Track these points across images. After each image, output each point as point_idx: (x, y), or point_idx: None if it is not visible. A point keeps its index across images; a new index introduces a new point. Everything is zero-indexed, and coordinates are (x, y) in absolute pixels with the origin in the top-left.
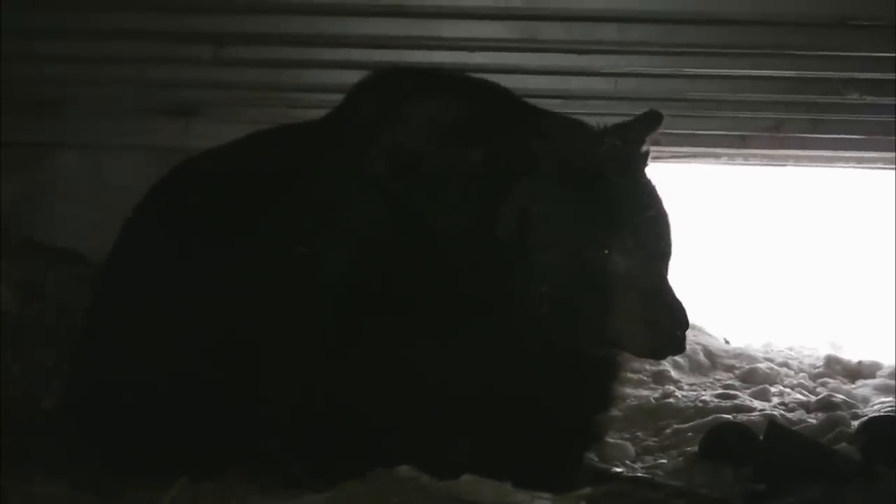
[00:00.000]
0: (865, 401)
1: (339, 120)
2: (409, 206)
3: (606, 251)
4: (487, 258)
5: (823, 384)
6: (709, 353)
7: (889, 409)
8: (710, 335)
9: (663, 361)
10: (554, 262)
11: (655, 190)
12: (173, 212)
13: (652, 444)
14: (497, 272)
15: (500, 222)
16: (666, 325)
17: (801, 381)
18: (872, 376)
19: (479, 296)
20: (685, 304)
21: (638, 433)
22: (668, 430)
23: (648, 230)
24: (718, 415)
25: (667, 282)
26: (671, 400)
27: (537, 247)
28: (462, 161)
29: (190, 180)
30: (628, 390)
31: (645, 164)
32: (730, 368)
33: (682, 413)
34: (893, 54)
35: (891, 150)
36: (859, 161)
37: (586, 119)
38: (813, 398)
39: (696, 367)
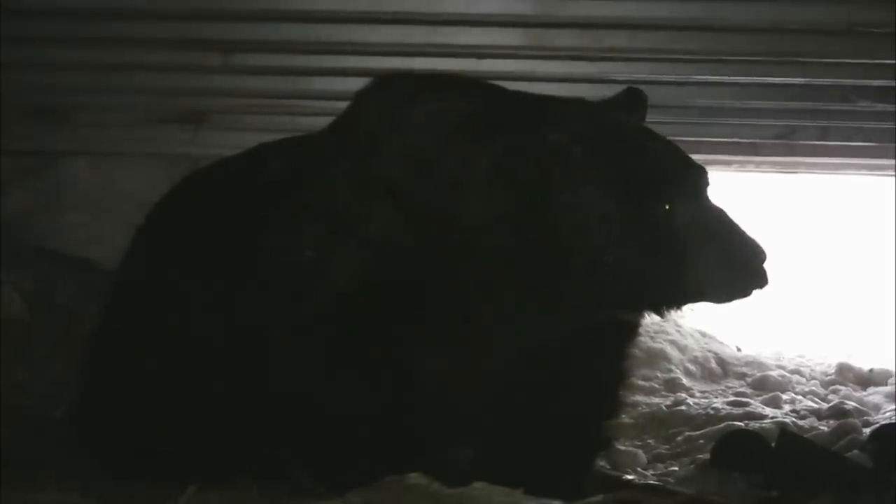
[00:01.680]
0: (877, 408)
1: (344, 127)
2: (423, 207)
3: (668, 206)
4: (525, 247)
5: (835, 392)
6: (720, 361)
7: None
8: (721, 343)
9: (674, 368)
10: (618, 232)
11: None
12: (184, 221)
13: (663, 451)
14: (548, 258)
15: (544, 211)
16: (746, 259)
17: (813, 388)
18: (884, 384)
19: (513, 290)
20: (757, 237)
21: (649, 440)
22: (679, 438)
23: (695, 176)
24: (730, 422)
25: (730, 219)
26: (683, 407)
27: (594, 223)
28: (479, 157)
29: (201, 190)
30: (640, 398)
31: None
32: (741, 376)
33: (693, 420)
34: None
35: None
36: (870, 168)
37: None
38: (824, 406)
39: (707, 375)
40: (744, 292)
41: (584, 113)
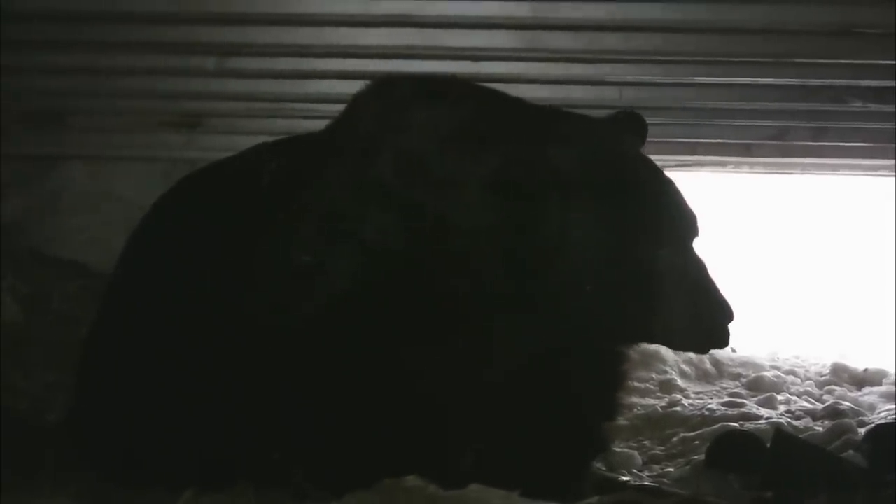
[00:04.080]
0: (872, 408)
1: (341, 130)
2: (420, 211)
3: (654, 249)
4: (519, 260)
5: (830, 392)
6: (715, 362)
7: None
8: None
9: (669, 370)
10: (601, 264)
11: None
12: (179, 224)
13: (659, 452)
14: (531, 273)
15: (535, 228)
16: (712, 318)
17: (808, 388)
18: (879, 384)
19: (502, 297)
20: (730, 299)
21: (645, 442)
22: (674, 439)
23: (687, 224)
24: (725, 423)
25: (710, 276)
26: (678, 408)
27: (580, 250)
28: (478, 164)
29: (195, 192)
30: (635, 399)
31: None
32: (736, 377)
33: (688, 422)
34: None
35: (893, 158)
36: (864, 168)
37: None
38: (819, 406)
39: (702, 376)
40: (702, 349)
41: (588, 134)
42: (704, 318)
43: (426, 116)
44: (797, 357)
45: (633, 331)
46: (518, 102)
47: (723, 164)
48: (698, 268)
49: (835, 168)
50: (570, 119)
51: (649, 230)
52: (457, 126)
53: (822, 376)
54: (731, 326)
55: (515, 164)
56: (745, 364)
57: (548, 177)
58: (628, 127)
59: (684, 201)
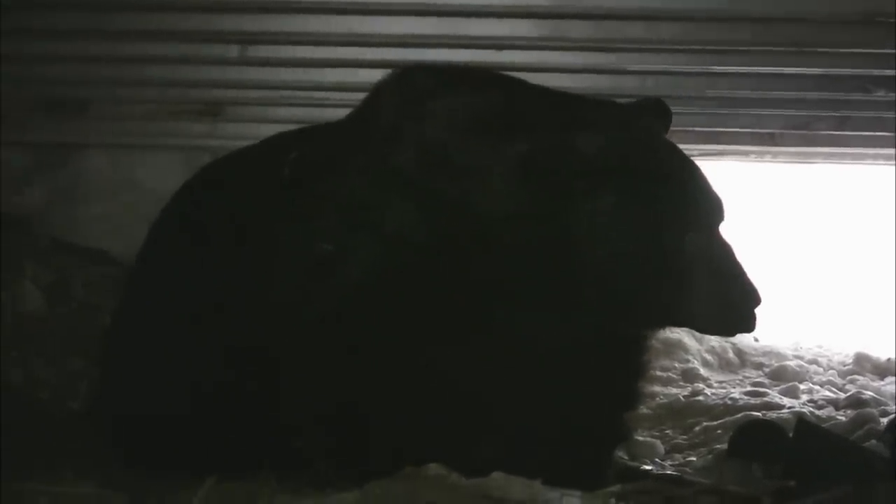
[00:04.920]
0: (895, 398)
1: (362, 118)
2: (442, 200)
3: (681, 233)
4: (543, 249)
5: (853, 381)
6: (738, 351)
7: None
8: None
9: (692, 359)
10: (629, 249)
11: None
12: (199, 213)
13: (681, 441)
14: (557, 261)
15: (562, 215)
16: (740, 302)
17: (831, 378)
18: None
19: (526, 286)
20: (757, 283)
21: (667, 431)
22: (697, 428)
23: (713, 209)
24: (748, 412)
25: (737, 260)
26: (700, 398)
27: (608, 235)
28: (503, 153)
29: (216, 182)
30: (657, 388)
31: None
32: (759, 366)
33: (711, 411)
34: None
35: None
36: (887, 158)
37: None
38: (842, 395)
39: (725, 365)
40: (729, 332)
41: (616, 120)
42: (732, 302)
43: (449, 105)
44: (820, 346)
45: (661, 315)
46: (542, 90)
47: (746, 154)
48: (726, 251)
49: (858, 157)
50: (594, 106)
51: (676, 215)
52: (481, 114)
53: (844, 366)
54: (757, 311)
55: (541, 151)
56: (767, 353)
57: (574, 164)
58: (653, 113)
59: (710, 186)
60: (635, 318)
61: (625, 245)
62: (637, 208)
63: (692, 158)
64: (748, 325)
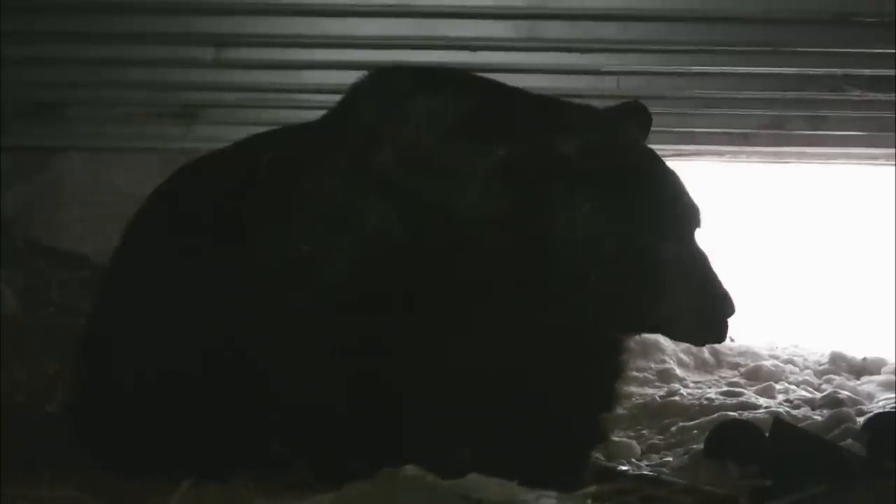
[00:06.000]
0: (870, 397)
1: (339, 119)
2: (420, 202)
3: (657, 239)
4: (520, 251)
5: (828, 381)
6: (714, 351)
7: (894, 405)
8: None
9: (668, 359)
10: (606, 254)
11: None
12: (175, 215)
13: (657, 442)
14: (532, 263)
15: (538, 218)
16: (713, 311)
17: (807, 377)
18: (877, 372)
19: (502, 288)
20: (731, 292)
21: (643, 431)
22: (673, 428)
23: (690, 215)
24: (724, 412)
25: (712, 269)
26: (676, 398)
27: (585, 239)
28: (481, 156)
29: (191, 183)
30: (633, 388)
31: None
32: (735, 366)
33: (687, 411)
34: (894, 50)
35: (892, 147)
36: (861, 157)
37: None
38: (818, 395)
39: (701, 365)
40: (700, 341)
41: (594, 124)
42: (705, 310)
43: (427, 106)
44: (796, 346)
45: (635, 320)
46: (520, 92)
47: (720, 154)
48: (700, 259)
49: (833, 157)
50: (573, 109)
51: (652, 220)
52: (459, 116)
53: (820, 365)
54: (729, 320)
55: (519, 154)
56: (743, 353)
57: (551, 167)
58: (633, 117)
59: (687, 192)
60: (610, 322)
61: (599, 248)
62: (613, 212)
63: (666, 159)
64: (719, 334)
